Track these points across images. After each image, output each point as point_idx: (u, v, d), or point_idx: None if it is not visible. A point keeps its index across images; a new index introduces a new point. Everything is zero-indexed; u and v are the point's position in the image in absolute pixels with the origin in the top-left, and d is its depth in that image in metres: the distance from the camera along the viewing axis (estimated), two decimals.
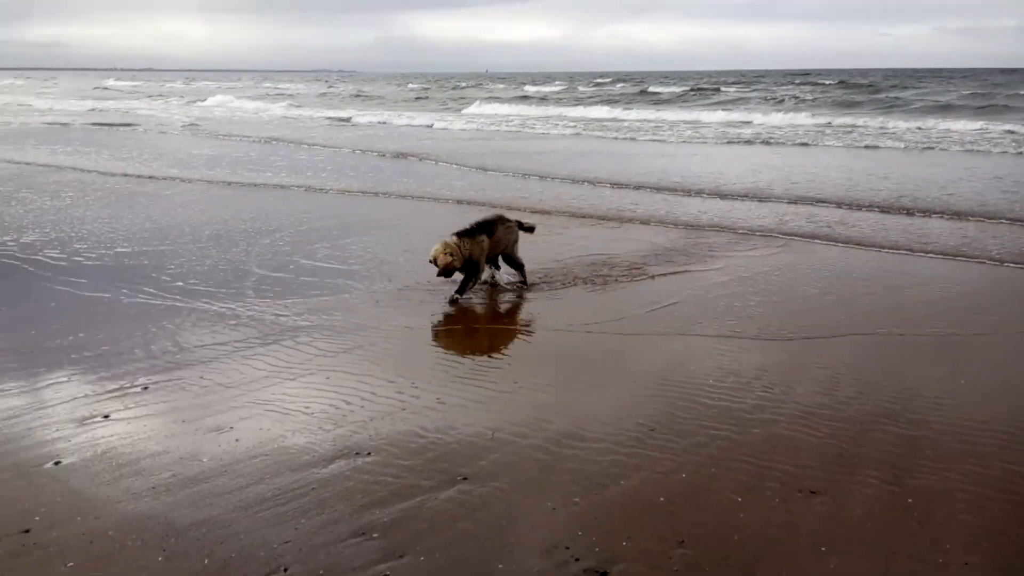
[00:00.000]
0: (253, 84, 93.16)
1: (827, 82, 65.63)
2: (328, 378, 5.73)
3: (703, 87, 61.53)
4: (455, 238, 7.57)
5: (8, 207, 12.75)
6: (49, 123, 33.76)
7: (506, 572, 3.60)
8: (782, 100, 45.58)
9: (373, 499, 4.16)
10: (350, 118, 39.15)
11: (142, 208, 12.83)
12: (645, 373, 5.88)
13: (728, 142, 25.71)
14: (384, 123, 36.04)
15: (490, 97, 55.98)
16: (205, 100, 58.23)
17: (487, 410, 5.25)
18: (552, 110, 43.89)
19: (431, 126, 33.97)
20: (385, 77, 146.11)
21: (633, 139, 27.31)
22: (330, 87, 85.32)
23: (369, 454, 4.62)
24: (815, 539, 3.85)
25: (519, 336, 6.80)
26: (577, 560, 3.67)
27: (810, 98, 46.22)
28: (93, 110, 45.15)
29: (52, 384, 5.60)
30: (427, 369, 5.99)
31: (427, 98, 59.12)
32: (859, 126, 30.19)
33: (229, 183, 16.07)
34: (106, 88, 79.06)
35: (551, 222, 11.72)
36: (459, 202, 13.75)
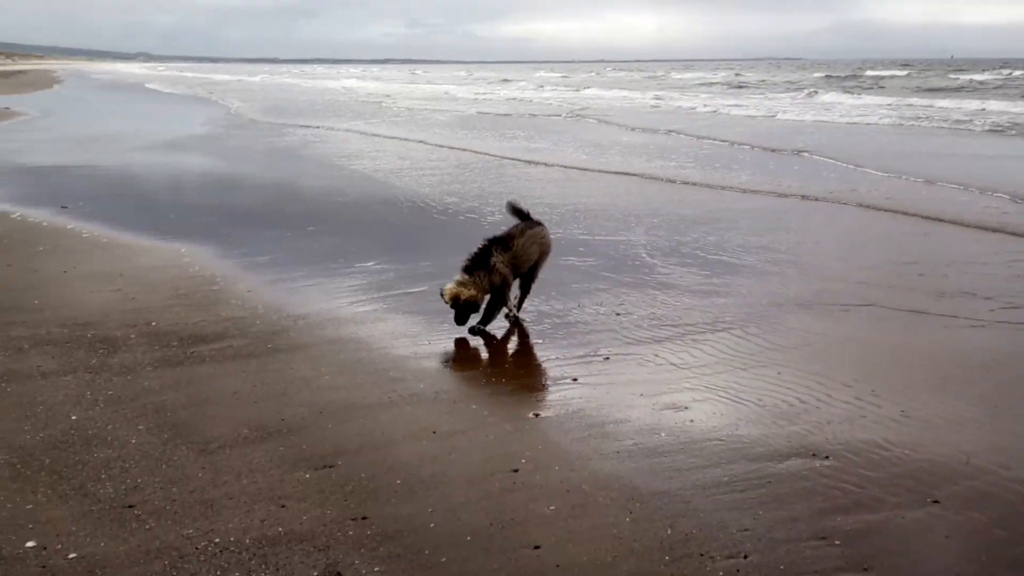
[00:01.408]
0: (668, 73, 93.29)
1: None
2: (780, 373, 5.66)
3: None
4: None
5: (460, 186, 14.63)
6: (479, 112, 35.83)
7: None
8: None
9: (833, 504, 4.04)
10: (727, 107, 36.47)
11: (584, 192, 13.89)
12: None
13: None
14: (771, 114, 32.50)
15: (914, 88, 48.86)
16: (584, 89, 59.06)
17: (960, 431, 4.77)
18: (970, 103, 34.50)
19: (816, 119, 29.56)
20: (830, 63, 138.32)
21: None
22: (736, 75, 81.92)
23: (827, 457, 4.49)
24: None
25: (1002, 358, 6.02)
26: None
27: None
28: (514, 99, 47.10)
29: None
30: (885, 377, 5.61)
31: (820, 88, 51.59)
32: None
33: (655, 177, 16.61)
34: (534, 81, 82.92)
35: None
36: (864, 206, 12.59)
